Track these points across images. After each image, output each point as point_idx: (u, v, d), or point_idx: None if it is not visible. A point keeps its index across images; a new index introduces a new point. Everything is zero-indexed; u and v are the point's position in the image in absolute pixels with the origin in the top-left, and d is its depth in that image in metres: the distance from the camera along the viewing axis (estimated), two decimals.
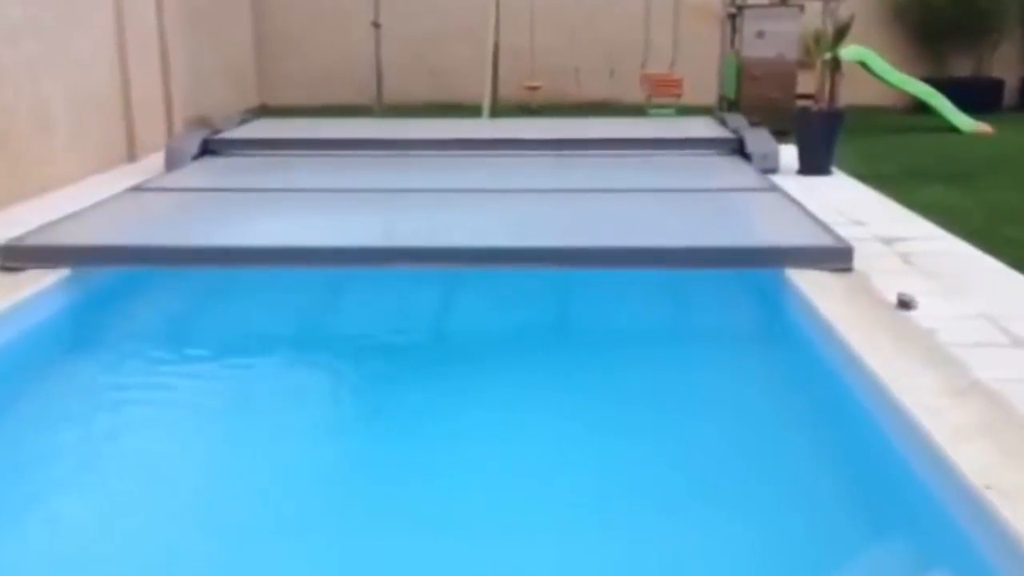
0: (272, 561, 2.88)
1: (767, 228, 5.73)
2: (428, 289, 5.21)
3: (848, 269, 4.76)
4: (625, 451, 3.48)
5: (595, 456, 3.43)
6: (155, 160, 7.83)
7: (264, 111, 12.42)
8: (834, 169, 7.64)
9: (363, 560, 2.87)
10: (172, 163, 7.57)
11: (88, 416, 3.91)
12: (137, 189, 6.59)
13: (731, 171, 7.32)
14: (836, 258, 4.79)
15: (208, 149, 7.85)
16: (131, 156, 8.26)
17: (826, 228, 5.25)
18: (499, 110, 11.73)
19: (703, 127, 8.85)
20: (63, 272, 4.78)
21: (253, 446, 3.66)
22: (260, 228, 5.71)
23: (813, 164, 7.58)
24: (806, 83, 8.60)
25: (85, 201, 6.06)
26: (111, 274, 5.02)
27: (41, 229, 5.31)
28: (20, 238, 5.10)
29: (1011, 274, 4.78)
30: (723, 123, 8.71)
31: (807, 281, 4.57)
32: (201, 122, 8.30)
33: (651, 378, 4.15)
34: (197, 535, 3.05)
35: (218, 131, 8.17)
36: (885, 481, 3.15)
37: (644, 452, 3.47)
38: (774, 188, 6.50)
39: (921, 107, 11.66)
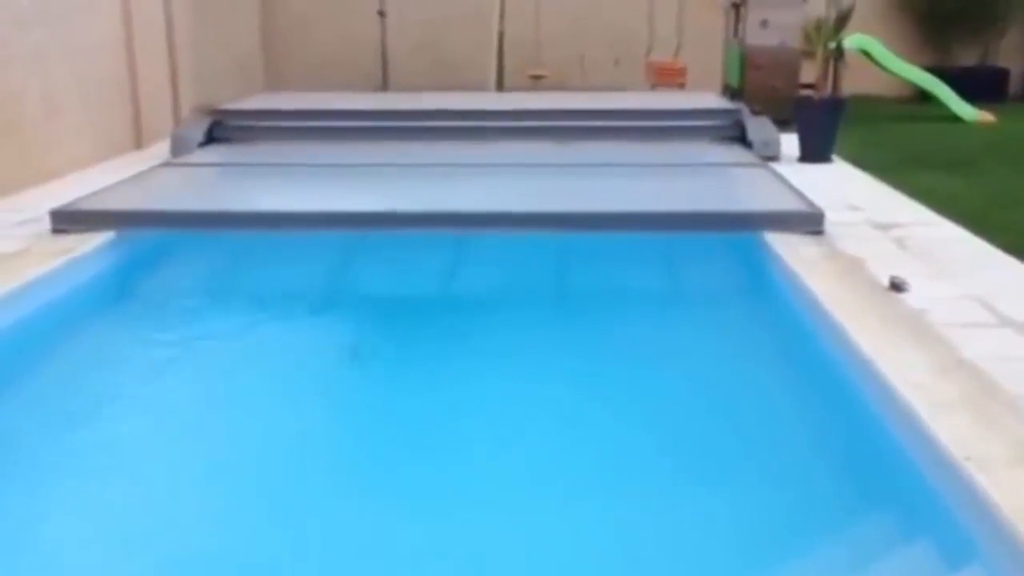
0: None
1: (748, 196, 6.14)
2: (433, 252, 5.60)
3: (820, 232, 5.22)
4: (617, 409, 3.68)
5: (575, 407, 3.71)
6: (162, 148, 7.91)
7: None
8: (835, 157, 7.69)
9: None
10: (178, 150, 7.67)
11: (138, 361, 4.29)
12: (168, 164, 7.19)
13: (723, 150, 7.58)
14: (808, 222, 5.31)
15: (214, 136, 7.97)
16: (138, 143, 8.34)
17: (801, 196, 5.72)
18: None
19: (707, 99, 9.20)
20: (108, 235, 5.30)
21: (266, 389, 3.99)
22: (284, 196, 6.24)
23: (814, 152, 7.63)
24: (809, 72, 8.64)
25: (95, 187, 6.19)
26: (152, 237, 5.48)
27: (86, 197, 5.82)
28: (69, 203, 5.63)
29: (1004, 257, 4.85)
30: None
31: (784, 244, 4.98)
32: (207, 110, 8.38)
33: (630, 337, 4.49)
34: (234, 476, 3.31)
35: (223, 109, 8.30)
36: (872, 452, 3.24)
37: (635, 416, 3.64)
38: (760, 164, 6.87)
39: (924, 96, 11.68)
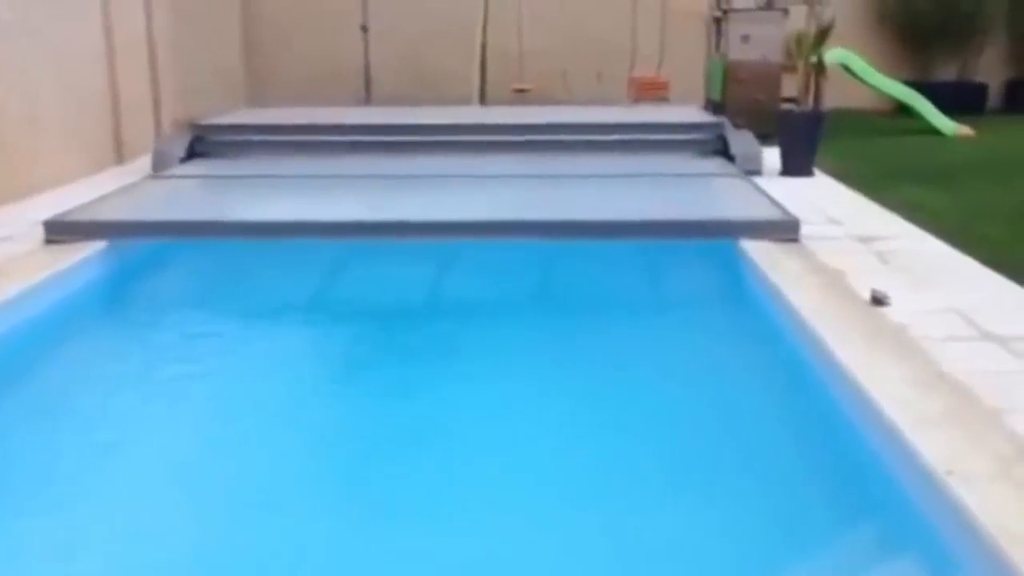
0: None
1: (726, 204, 6.38)
2: (418, 260, 5.75)
3: (795, 239, 5.37)
4: (595, 417, 3.72)
5: (556, 414, 3.76)
6: (144, 162, 7.88)
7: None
8: (816, 170, 7.73)
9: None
10: (160, 165, 7.64)
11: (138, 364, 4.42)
12: (156, 177, 7.32)
13: (705, 164, 7.71)
14: (785, 230, 5.48)
15: (195, 151, 7.95)
16: (119, 158, 8.31)
17: (777, 204, 5.91)
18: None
19: (690, 113, 9.36)
20: (101, 244, 5.43)
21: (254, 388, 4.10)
22: (274, 206, 6.36)
23: (795, 165, 7.67)
24: (791, 86, 8.68)
25: (80, 202, 6.20)
26: (144, 247, 5.68)
27: (78, 208, 5.96)
28: (62, 214, 5.76)
29: (984, 270, 4.87)
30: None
31: (765, 257, 5.08)
32: (188, 125, 8.35)
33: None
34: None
35: (205, 124, 8.28)
36: (853, 466, 3.25)
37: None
38: (738, 175, 7.10)
39: (904, 110, 11.75)
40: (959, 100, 12.24)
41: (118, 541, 2.96)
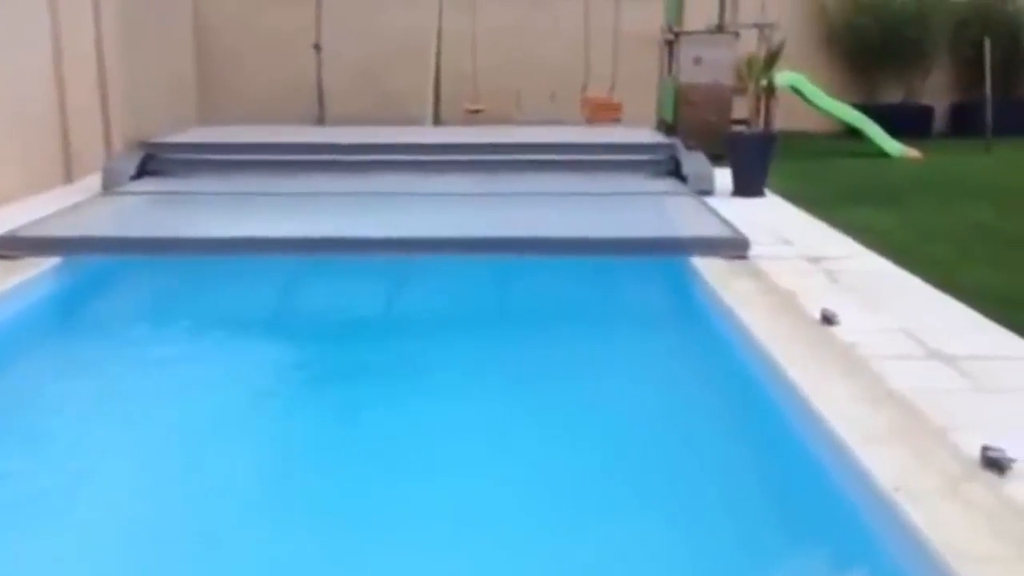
0: None
1: (676, 223, 6.51)
2: (371, 277, 5.78)
3: (744, 257, 5.48)
4: (540, 437, 3.71)
5: (503, 431, 3.75)
6: (93, 181, 7.78)
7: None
8: (767, 191, 7.82)
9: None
10: (110, 183, 7.55)
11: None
12: (109, 194, 7.32)
13: (657, 183, 7.79)
14: (734, 247, 5.59)
15: (146, 170, 7.87)
16: (68, 176, 8.18)
17: (727, 223, 6.07)
18: None
19: (642, 134, 9.44)
20: (55, 260, 5.45)
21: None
22: (230, 222, 6.35)
23: (747, 186, 7.76)
24: (742, 108, 8.79)
25: (31, 217, 6.16)
26: (98, 262, 5.66)
27: (30, 224, 5.97)
28: (15, 229, 5.78)
29: (930, 290, 4.95)
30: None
31: (716, 278, 5.16)
32: (139, 144, 8.26)
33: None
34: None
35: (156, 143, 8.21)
36: (802, 483, 3.27)
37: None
38: (688, 194, 7.30)
39: (853, 132, 11.94)
40: (906, 123, 12.46)
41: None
